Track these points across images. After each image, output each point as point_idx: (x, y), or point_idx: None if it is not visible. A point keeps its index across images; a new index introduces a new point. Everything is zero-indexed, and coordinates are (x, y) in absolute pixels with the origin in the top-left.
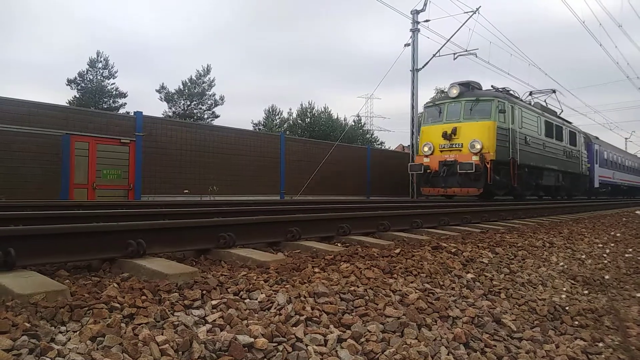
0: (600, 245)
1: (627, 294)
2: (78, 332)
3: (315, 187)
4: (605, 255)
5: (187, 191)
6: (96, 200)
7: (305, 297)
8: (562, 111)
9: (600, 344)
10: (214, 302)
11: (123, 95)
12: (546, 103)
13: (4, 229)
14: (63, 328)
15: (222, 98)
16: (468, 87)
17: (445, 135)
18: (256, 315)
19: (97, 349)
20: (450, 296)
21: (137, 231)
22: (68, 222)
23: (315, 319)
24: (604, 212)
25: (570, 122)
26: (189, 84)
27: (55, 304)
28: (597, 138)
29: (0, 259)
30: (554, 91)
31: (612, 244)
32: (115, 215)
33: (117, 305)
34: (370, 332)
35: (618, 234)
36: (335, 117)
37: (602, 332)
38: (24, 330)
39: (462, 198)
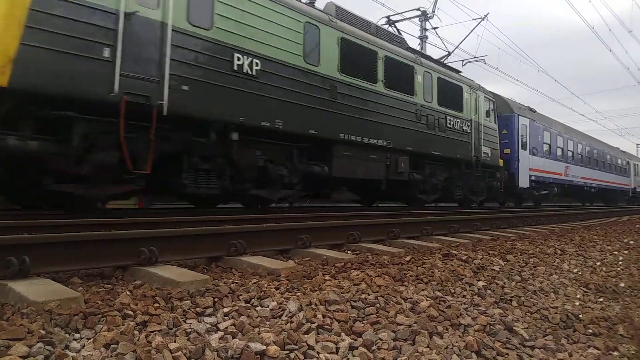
0: (613, 252)
1: None
2: (92, 340)
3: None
4: (618, 262)
5: None
6: (107, 207)
7: (316, 304)
8: (423, 39)
9: (615, 353)
10: (225, 310)
11: None
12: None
13: (19, 237)
14: (77, 335)
15: None
16: None
17: None
18: (268, 322)
19: (111, 356)
20: (461, 304)
21: (149, 239)
22: (80, 230)
23: (326, 326)
24: (615, 218)
25: (456, 71)
26: None
27: (69, 311)
28: (531, 110)
29: (15, 267)
30: None
31: (625, 251)
32: (126, 223)
33: (130, 312)
34: (381, 340)
35: (631, 241)
36: None
37: (616, 341)
38: (39, 337)
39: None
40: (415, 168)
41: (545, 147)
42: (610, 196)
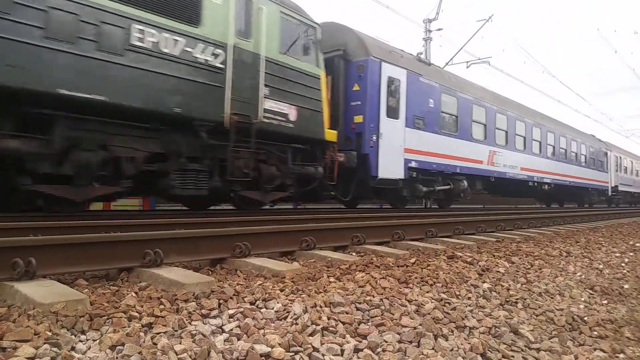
0: (619, 254)
1: None
2: (98, 341)
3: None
4: (624, 264)
5: None
6: (112, 209)
7: (321, 306)
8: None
9: (621, 356)
10: (230, 312)
11: None
12: None
13: (26, 239)
14: (83, 337)
15: None
16: None
17: None
18: (273, 324)
19: (117, 358)
20: (466, 306)
21: (155, 240)
22: (86, 232)
23: (331, 328)
24: (621, 220)
25: None
26: None
27: (75, 312)
28: (421, 61)
29: (21, 269)
30: None
31: (631, 253)
32: (132, 224)
33: (136, 314)
34: (386, 342)
35: (637, 243)
36: None
37: (623, 344)
38: (46, 338)
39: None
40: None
41: (447, 119)
42: (579, 195)
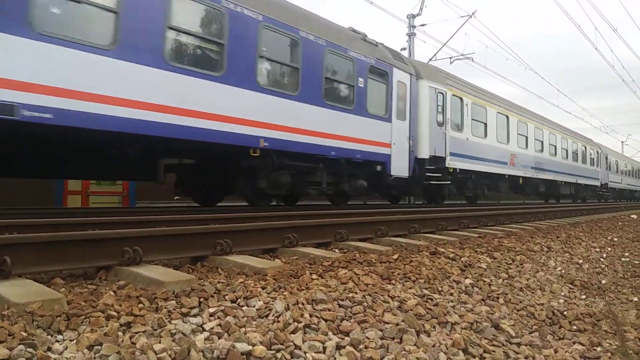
0: (598, 249)
1: (624, 297)
2: (75, 341)
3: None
4: (602, 259)
5: (177, 198)
6: (90, 206)
7: (303, 304)
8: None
9: (599, 349)
10: (211, 310)
11: None
12: None
13: (0, 237)
14: (60, 337)
15: None
16: None
17: None
18: (254, 322)
19: (95, 358)
20: (448, 302)
21: (133, 238)
22: (63, 229)
23: (313, 325)
24: (600, 215)
25: None
26: None
27: (51, 312)
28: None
29: None
30: None
31: (609, 248)
32: (111, 222)
33: (114, 313)
34: (369, 338)
35: (615, 238)
36: None
37: (600, 337)
38: (21, 339)
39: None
40: None
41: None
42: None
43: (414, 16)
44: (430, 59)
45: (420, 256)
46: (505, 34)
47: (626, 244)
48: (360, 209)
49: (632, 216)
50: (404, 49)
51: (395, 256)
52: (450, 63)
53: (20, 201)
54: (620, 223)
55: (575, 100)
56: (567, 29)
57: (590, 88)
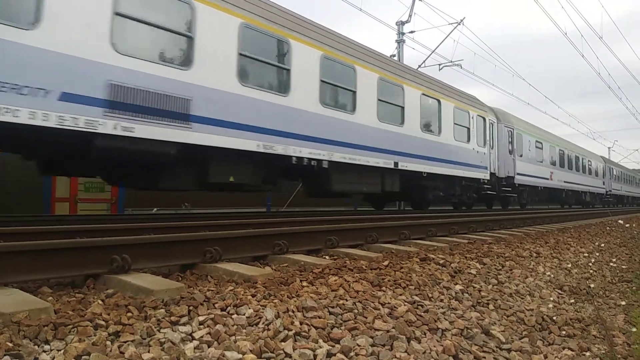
0: (586, 254)
1: (612, 302)
2: (62, 351)
3: (304, 200)
4: (590, 264)
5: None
6: (78, 214)
7: (293, 311)
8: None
9: (588, 354)
10: (201, 318)
11: None
12: None
13: None
14: (47, 347)
15: None
16: None
17: None
18: (244, 330)
19: None
20: (439, 308)
21: (122, 246)
22: (50, 237)
23: (304, 333)
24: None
25: None
26: None
27: (38, 322)
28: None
29: None
30: None
31: (597, 253)
32: (99, 229)
33: (102, 322)
34: (359, 346)
35: (603, 244)
36: None
37: (589, 342)
38: (7, 350)
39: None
40: None
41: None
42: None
43: (403, 23)
44: (419, 66)
45: (411, 262)
46: (493, 40)
47: (614, 249)
48: (350, 215)
49: (619, 221)
50: (394, 55)
51: (386, 263)
52: (439, 70)
53: (8, 209)
54: (607, 228)
55: (562, 107)
56: (555, 37)
57: (580, 95)
